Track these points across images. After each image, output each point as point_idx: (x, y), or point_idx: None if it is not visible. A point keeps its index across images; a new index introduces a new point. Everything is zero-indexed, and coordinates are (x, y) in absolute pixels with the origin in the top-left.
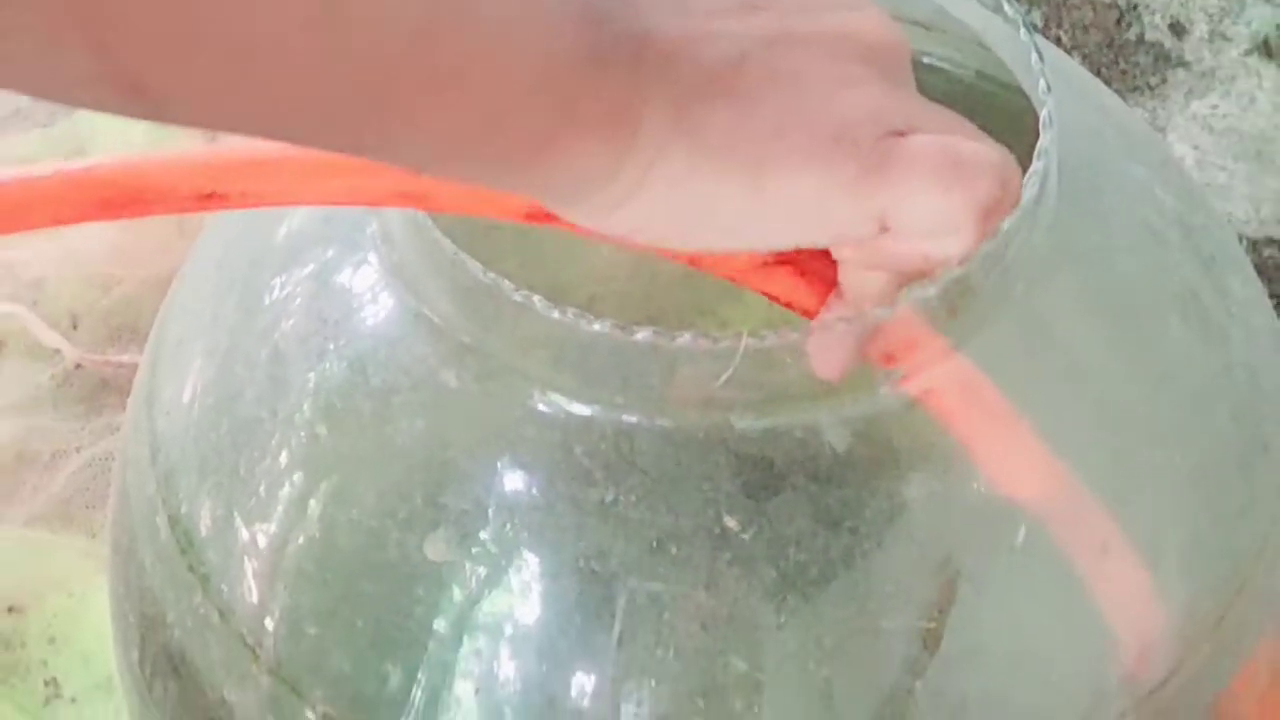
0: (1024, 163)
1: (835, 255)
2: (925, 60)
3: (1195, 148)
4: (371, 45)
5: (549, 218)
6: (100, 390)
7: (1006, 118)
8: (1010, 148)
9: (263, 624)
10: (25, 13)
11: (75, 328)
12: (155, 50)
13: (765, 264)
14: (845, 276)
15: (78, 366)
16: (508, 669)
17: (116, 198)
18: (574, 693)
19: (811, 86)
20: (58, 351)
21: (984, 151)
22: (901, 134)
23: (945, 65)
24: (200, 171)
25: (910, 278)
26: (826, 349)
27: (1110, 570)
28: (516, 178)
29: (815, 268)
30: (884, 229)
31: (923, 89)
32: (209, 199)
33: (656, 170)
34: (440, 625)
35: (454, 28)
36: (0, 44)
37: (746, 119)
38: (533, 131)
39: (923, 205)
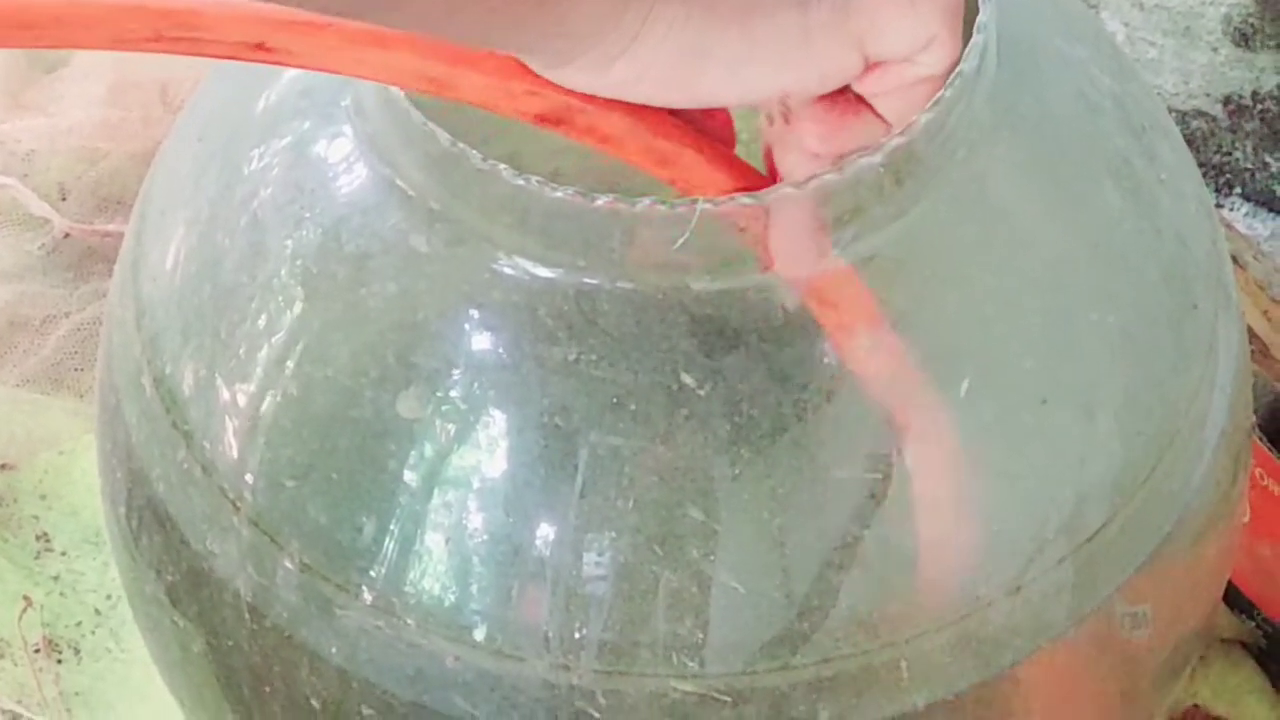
0: (965, 38)
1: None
2: None
3: (1126, 24)
4: None
5: (560, 121)
6: (88, 258)
7: None
8: None
9: (243, 478)
10: None
11: (64, 198)
12: None
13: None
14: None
15: (66, 236)
16: (476, 520)
17: (170, 31)
18: (538, 542)
19: None
20: (47, 221)
21: None
22: None
23: None
24: (256, 21)
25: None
26: (788, 235)
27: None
28: (527, 27)
29: None
30: (867, 61)
31: None
32: (257, 49)
33: (655, 14)
34: (412, 479)
35: None
36: None
37: None
38: None
39: (895, 21)
